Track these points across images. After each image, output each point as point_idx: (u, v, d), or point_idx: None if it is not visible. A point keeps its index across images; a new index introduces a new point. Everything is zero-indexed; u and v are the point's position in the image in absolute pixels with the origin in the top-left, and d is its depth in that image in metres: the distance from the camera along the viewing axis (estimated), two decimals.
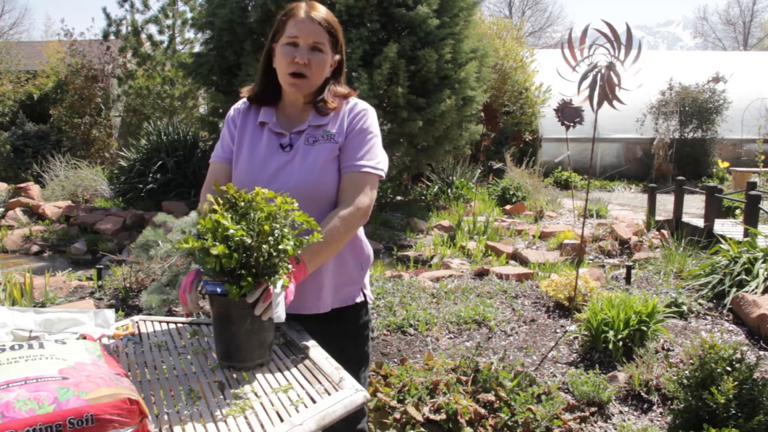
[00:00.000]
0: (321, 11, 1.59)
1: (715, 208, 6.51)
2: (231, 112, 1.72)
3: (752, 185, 6.32)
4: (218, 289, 1.29)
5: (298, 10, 1.58)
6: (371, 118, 1.64)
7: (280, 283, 1.32)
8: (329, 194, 1.58)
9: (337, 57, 1.64)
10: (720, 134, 13.51)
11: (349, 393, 1.21)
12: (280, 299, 1.38)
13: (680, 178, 7.44)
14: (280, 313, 1.35)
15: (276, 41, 1.60)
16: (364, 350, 1.76)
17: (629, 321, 3.39)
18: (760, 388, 2.51)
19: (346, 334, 1.70)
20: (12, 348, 1.08)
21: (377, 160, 1.61)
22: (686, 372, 2.70)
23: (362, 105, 1.66)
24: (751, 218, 5.65)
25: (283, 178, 1.56)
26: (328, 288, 1.63)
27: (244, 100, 1.71)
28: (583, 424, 2.72)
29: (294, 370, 1.33)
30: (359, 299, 1.71)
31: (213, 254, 1.22)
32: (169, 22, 12.41)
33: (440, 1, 7.61)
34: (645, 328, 3.40)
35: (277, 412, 1.13)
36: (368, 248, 1.74)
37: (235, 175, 1.63)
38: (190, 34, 12.77)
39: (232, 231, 1.23)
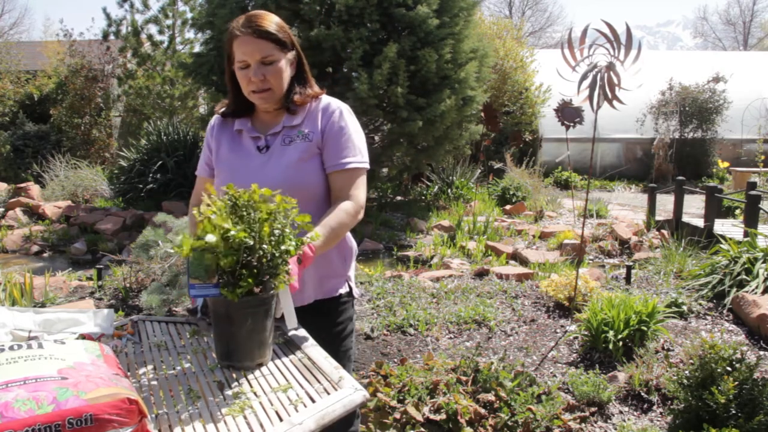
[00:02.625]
0: (260, 22, 1.57)
1: (715, 208, 6.50)
2: (208, 127, 1.78)
3: (752, 185, 6.31)
4: (209, 292, 1.28)
5: (236, 30, 1.58)
6: (346, 115, 1.68)
7: (287, 286, 1.33)
8: (310, 192, 1.62)
9: (290, 55, 1.64)
10: (720, 134, 13.51)
11: (348, 392, 1.21)
12: (289, 303, 1.38)
13: (680, 178, 7.43)
14: (291, 320, 1.37)
15: (232, 63, 1.63)
16: (349, 345, 1.78)
17: (629, 321, 3.39)
18: (760, 388, 2.51)
19: (331, 326, 1.72)
20: (11, 348, 1.08)
21: (360, 155, 1.66)
22: (686, 372, 2.70)
23: (335, 104, 1.69)
24: (751, 218, 5.64)
25: (261, 178, 1.57)
26: (311, 280, 1.66)
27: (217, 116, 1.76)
28: (583, 424, 2.72)
29: (293, 369, 1.33)
30: (343, 290, 1.74)
31: (211, 256, 1.22)
32: (169, 22, 12.41)
33: (440, 1, 7.61)
34: (645, 328, 3.39)
35: (277, 412, 1.13)
36: (351, 240, 1.77)
37: (217, 181, 1.69)
38: (190, 34, 12.78)
39: (233, 233, 1.23)
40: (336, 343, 1.73)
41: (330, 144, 1.63)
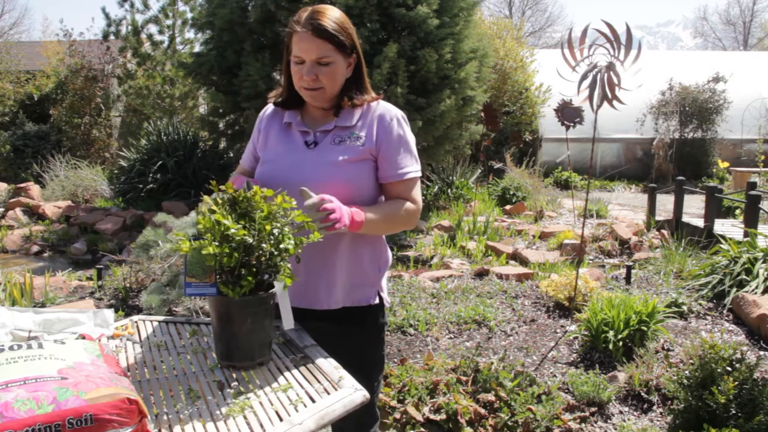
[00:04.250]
0: (324, 20, 1.53)
1: (715, 208, 6.50)
2: (260, 115, 1.77)
3: (752, 185, 6.32)
4: (206, 291, 1.28)
5: (297, 24, 1.54)
6: (403, 123, 1.66)
7: (281, 284, 1.33)
8: (354, 193, 1.56)
9: (350, 59, 1.61)
10: (720, 134, 13.50)
11: (348, 392, 1.21)
12: (286, 303, 1.38)
13: (680, 178, 7.43)
14: (287, 320, 1.37)
15: (289, 54, 1.60)
16: (379, 354, 1.76)
17: (629, 321, 3.39)
18: (760, 388, 2.51)
19: (360, 335, 1.70)
20: (11, 348, 1.08)
21: (416, 163, 1.66)
22: (686, 372, 2.70)
23: (393, 111, 1.66)
24: (751, 218, 5.64)
25: (304, 173, 1.57)
26: (342, 285, 1.63)
27: (271, 105, 1.74)
28: (583, 424, 2.72)
29: (293, 369, 1.33)
30: (375, 301, 1.70)
31: (210, 253, 1.22)
32: (169, 22, 12.40)
33: (440, 1, 7.61)
34: (645, 328, 3.39)
35: (277, 412, 1.13)
36: (388, 252, 1.75)
37: (260, 171, 1.66)
38: (190, 34, 12.76)
39: (233, 231, 1.23)
40: (366, 352, 1.71)
41: (388, 154, 1.61)
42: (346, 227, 1.42)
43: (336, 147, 1.59)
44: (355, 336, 1.68)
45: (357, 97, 1.62)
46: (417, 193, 1.65)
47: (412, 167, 1.63)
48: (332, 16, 1.55)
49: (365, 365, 1.63)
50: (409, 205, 1.61)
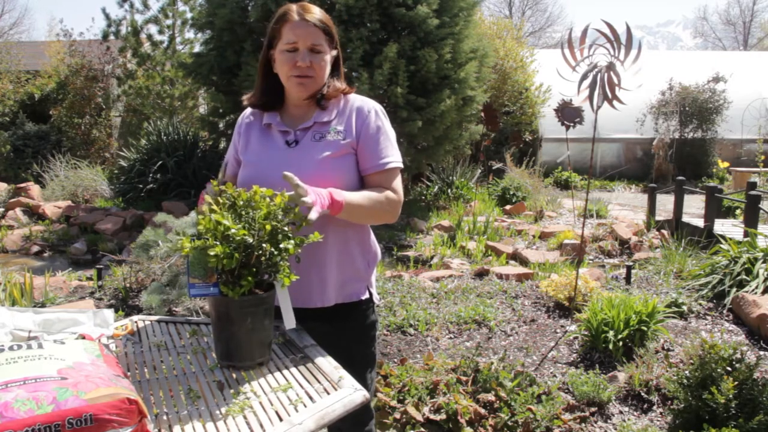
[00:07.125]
0: (315, 12, 1.60)
1: (715, 208, 6.50)
2: (239, 119, 1.77)
3: (752, 185, 6.32)
4: (209, 291, 1.29)
5: (291, 14, 1.58)
6: (381, 115, 1.68)
7: (281, 284, 1.33)
8: (339, 188, 1.57)
9: (334, 52, 1.66)
10: (720, 134, 13.51)
11: (348, 392, 1.21)
12: (287, 303, 1.38)
13: (680, 178, 7.43)
14: (288, 319, 1.37)
15: (274, 48, 1.61)
16: (370, 351, 1.76)
17: (629, 321, 3.39)
18: (760, 388, 2.51)
19: (352, 332, 1.70)
20: (11, 348, 1.08)
21: (396, 153, 1.67)
22: (686, 372, 2.70)
23: (370, 104, 1.68)
24: (751, 218, 5.64)
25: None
26: (333, 282, 1.63)
27: (249, 108, 1.74)
28: (583, 424, 2.72)
29: (293, 369, 1.33)
30: (365, 296, 1.71)
31: (213, 254, 1.22)
32: (169, 22, 12.40)
33: (440, 1, 7.61)
34: (645, 328, 3.39)
35: (277, 412, 1.13)
36: (376, 246, 1.76)
37: (243, 173, 1.65)
38: (190, 34, 12.75)
39: (233, 231, 1.23)
40: (361, 349, 1.72)
41: (368, 146, 1.62)
42: (326, 207, 1.41)
43: (317, 144, 1.60)
44: (346, 333, 1.68)
45: (334, 86, 1.65)
46: (398, 184, 1.65)
47: (393, 157, 1.64)
48: (319, 10, 1.63)
49: (357, 362, 1.63)
50: (390, 194, 1.60)
